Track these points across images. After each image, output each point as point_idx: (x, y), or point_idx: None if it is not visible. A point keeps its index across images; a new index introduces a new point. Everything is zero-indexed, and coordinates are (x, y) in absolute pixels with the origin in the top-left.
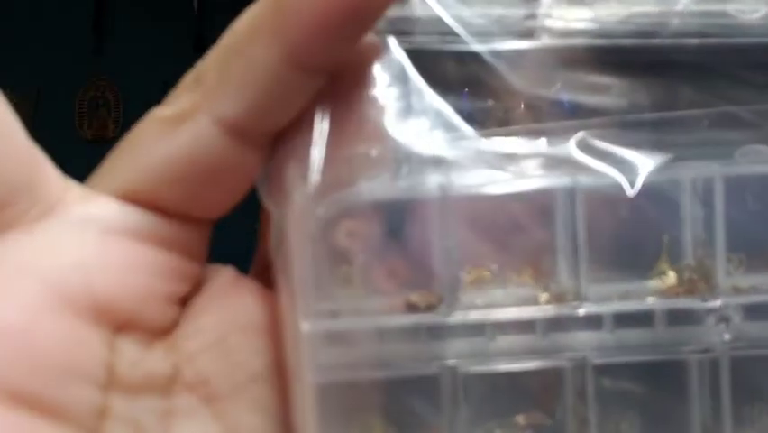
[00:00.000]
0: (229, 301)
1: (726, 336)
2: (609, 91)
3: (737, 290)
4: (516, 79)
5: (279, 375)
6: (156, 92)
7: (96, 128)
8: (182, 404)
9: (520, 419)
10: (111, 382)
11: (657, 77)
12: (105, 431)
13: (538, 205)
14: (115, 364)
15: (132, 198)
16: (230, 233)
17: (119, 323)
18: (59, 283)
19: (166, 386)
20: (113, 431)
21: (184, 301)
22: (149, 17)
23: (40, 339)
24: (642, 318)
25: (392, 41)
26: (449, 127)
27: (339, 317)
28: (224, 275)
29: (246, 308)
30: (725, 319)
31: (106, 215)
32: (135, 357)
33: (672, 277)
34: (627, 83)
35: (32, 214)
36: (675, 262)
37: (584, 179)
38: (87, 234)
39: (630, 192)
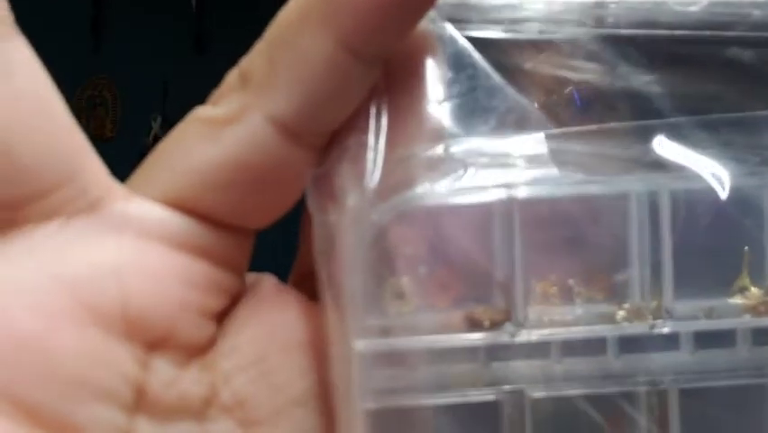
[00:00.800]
0: (269, 316)
1: None
2: (679, 88)
3: None
4: (575, 71)
5: (324, 398)
6: (154, 91)
7: (94, 127)
8: (218, 429)
9: None
10: (140, 403)
11: (734, 73)
12: None
13: (613, 210)
14: (147, 385)
15: (175, 203)
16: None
17: (153, 339)
18: (89, 289)
19: (201, 409)
20: None
21: (222, 316)
22: (147, 16)
23: (59, 350)
24: (725, 339)
25: (454, 30)
26: (520, 124)
27: (391, 335)
28: (265, 286)
29: (288, 324)
30: None
31: (148, 217)
32: (169, 377)
33: (756, 293)
34: (700, 78)
35: (72, 207)
36: (758, 275)
37: (670, 182)
38: (126, 238)
39: (723, 196)
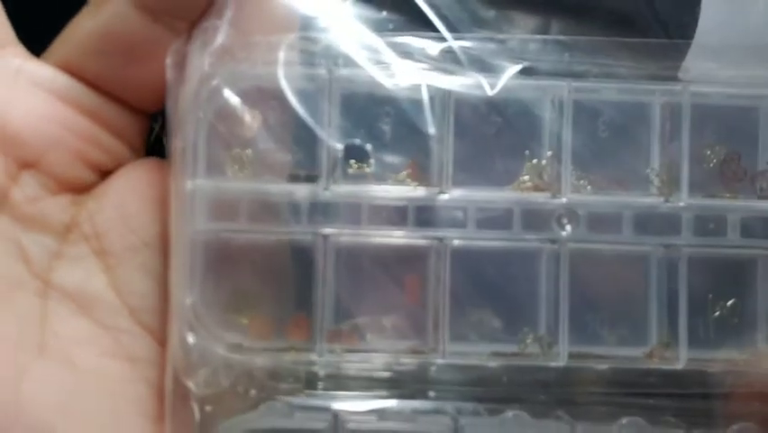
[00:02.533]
0: (138, 175)
1: (569, 228)
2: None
3: (581, 193)
4: None
5: (168, 245)
6: None
7: None
8: (74, 251)
9: (386, 321)
10: (3, 204)
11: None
12: None
13: (410, 104)
14: (11, 192)
15: (66, 67)
16: None
17: (24, 159)
18: None
19: (61, 232)
20: None
21: (108, 174)
22: None
23: None
24: (500, 217)
25: None
26: (347, 23)
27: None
28: (147, 159)
29: (151, 182)
30: (569, 214)
31: (39, 72)
32: (34, 194)
33: (529, 185)
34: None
35: None
36: (533, 171)
37: (453, 80)
38: (18, 81)
39: (489, 92)
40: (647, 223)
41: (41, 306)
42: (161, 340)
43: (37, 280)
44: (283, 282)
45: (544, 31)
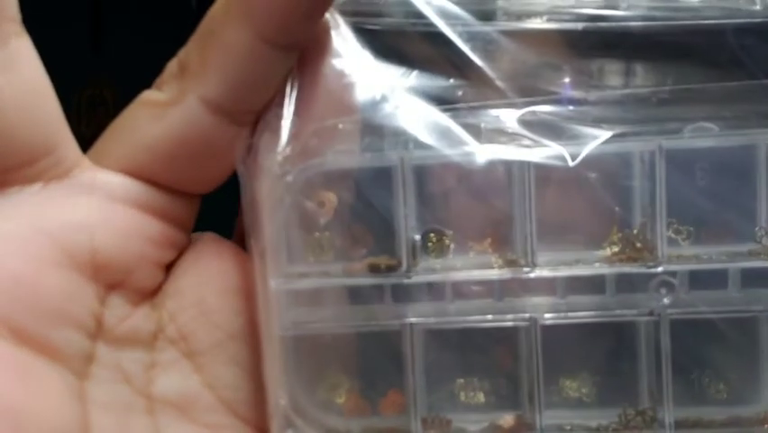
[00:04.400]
0: (208, 264)
1: (666, 300)
2: (563, 72)
3: (680, 258)
4: (475, 59)
5: (254, 334)
6: None
7: (95, 127)
8: (165, 357)
9: (481, 384)
10: (99, 332)
11: (610, 57)
12: (91, 374)
13: (496, 176)
14: (104, 318)
15: (131, 172)
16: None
17: (112, 281)
18: (66, 241)
19: (150, 341)
20: (99, 375)
21: (170, 266)
22: (148, 16)
23: (43, 289)
24: (590, 283)
25: (340, 19)
26: (413, 101)
27: (309, 278)
28: (205, 241)
29: (224, 271)
30: (666, 284)
31: (112, 184)
32: (122, 313)
33: (619, 246)
34: (582, 64)
35: (50, 174)
36: (625, 240)
37: (532, 152)
38: (95, 199)
39: (571, 164)
40: (754, 280)
41: (152, 423)
42: (260, 428)
43: (141, 397)
44: (372, 360)
45: (626, 79)
